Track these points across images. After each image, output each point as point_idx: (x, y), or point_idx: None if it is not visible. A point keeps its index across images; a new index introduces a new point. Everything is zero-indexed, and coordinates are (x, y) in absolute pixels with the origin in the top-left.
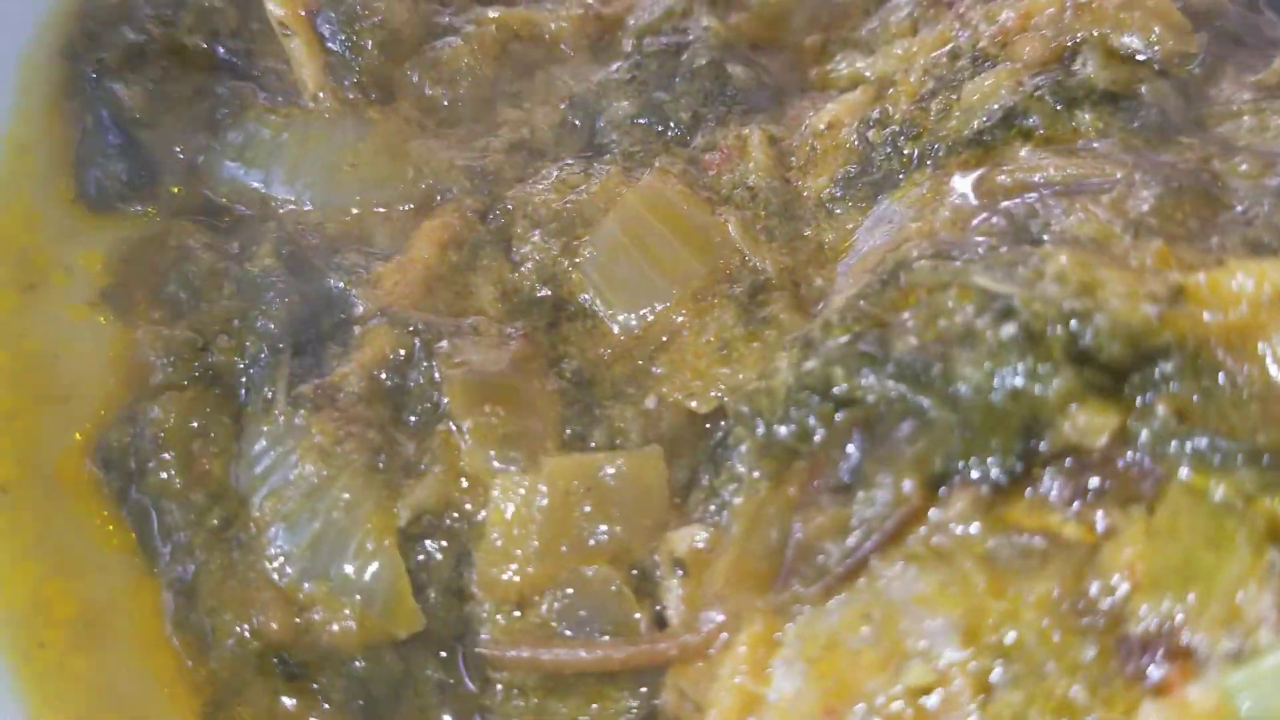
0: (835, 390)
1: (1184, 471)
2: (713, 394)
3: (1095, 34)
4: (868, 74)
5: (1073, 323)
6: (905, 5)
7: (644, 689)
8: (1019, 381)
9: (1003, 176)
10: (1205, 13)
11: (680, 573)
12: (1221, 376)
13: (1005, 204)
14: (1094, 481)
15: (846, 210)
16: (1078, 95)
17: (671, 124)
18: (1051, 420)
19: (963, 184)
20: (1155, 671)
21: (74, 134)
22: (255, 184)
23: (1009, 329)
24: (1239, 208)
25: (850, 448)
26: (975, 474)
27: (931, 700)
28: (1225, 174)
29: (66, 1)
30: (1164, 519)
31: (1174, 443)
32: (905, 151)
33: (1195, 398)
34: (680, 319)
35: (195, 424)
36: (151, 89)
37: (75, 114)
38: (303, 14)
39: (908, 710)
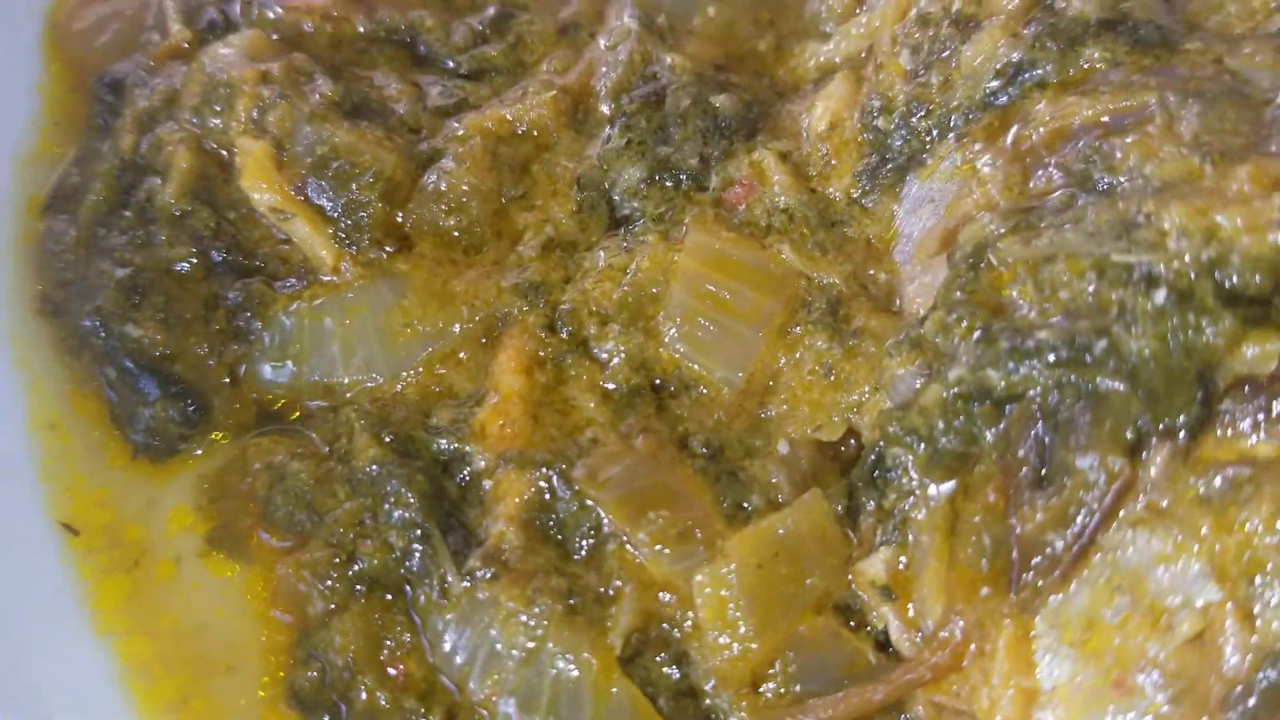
0: (996, 393)
1: None
2: (835, 419)
3: None
4: (836, 59)
5: (1215, 271)
6: None
7: (895, 711)
8: (1187, 339)
9: (1038, 131)
10: None
11: (890, 597)
12: None
13: (1053, 158)
14: (1272, 403)
15: (878, 201)
16: (1076, 32)
17: (684, 174)
18: (1220, 361)
19: (996, 149)
20: None
21: (97, 391)
22: (315, 377)
23: (1160, 295)
24: (1277, 99)
25: (1035, 441)
26: (1167, 430)
27: (1209, 641)
28: (1244, 69)
29: (18, 259)
30: None
31: None
32: (922, 130)
33: None
34: (776, 359)
35: (377, 636)
36: (163, 318)
37: (88, 370)
38: (293, 193)
39: (1192, 659)
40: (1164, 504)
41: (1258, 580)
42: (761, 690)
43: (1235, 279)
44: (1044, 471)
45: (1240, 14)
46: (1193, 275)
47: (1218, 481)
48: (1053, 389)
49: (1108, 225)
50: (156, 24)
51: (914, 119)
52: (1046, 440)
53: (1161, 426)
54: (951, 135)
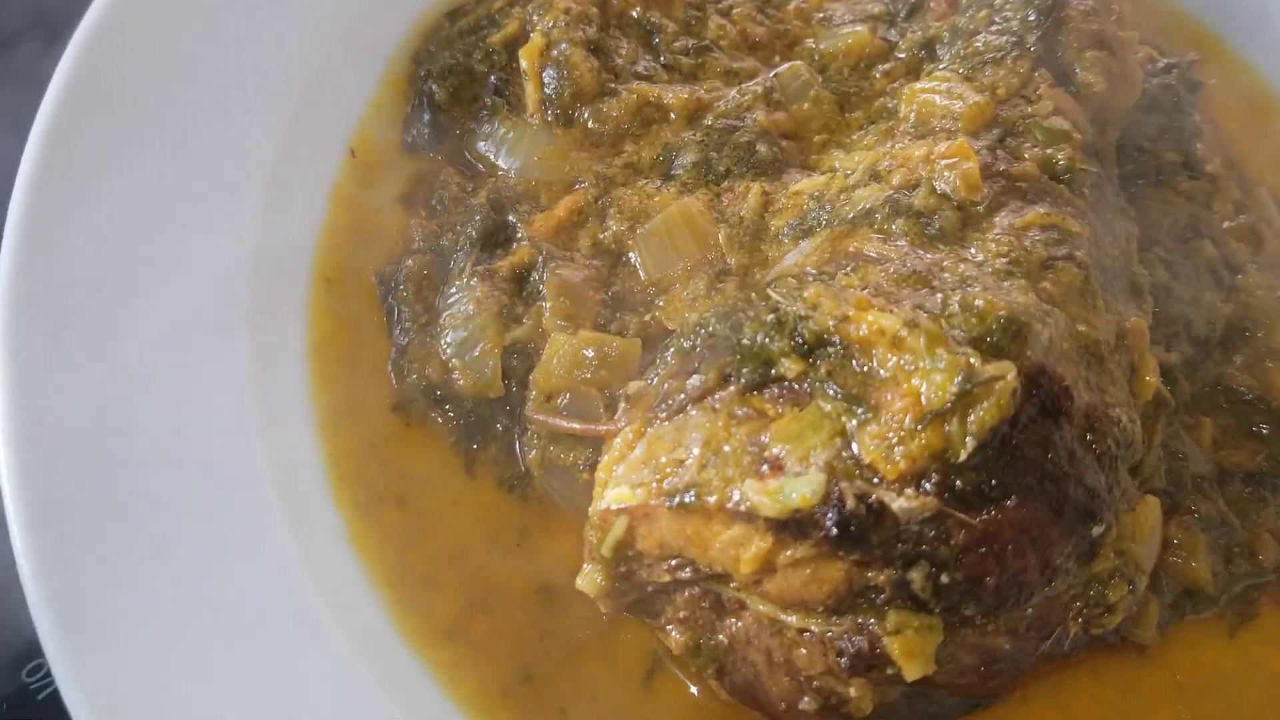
0: (703, 329)
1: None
2: (680, 318)
3: (927, 176)
4: (836, 166)
5: (798, 323)
6: (871, 132)
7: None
8: (768, 342)
9: (852, 245)
10: (1001, 173)
11: (625, 402)
12: (855, 363)
13: (841, 260)
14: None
15: (787, 242)
16: (902, 211)
17: (712, 172)
18: (777, 361)
19: (834, 244)
20: None
21: (402, 106)
22: (489, 155)
23: (771, 317)
24: (926, 290)
25: (700, 351)
26: (739, 377)
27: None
28: (948, 269)
29: (423, 26)
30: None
31: (822, 385)
32: (823, 217)
33: (841, 364)
34: (677, 279)
35: (424, 272)
36: (451, 90)
37: (408, 94)
38: (539, 69)
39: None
40: (716, 406)
41: (725, 448)
42: (546, 401)
43: (801, 330)
44: (692, 370)
45: (981, 246)
46: (792, 318)
47: (738, 410)
48: (723, 336)
49: (789, 289)
50: None
51: (824, 210)
52: (702, 355)
53: (736, 373)
54: (827, 227)
